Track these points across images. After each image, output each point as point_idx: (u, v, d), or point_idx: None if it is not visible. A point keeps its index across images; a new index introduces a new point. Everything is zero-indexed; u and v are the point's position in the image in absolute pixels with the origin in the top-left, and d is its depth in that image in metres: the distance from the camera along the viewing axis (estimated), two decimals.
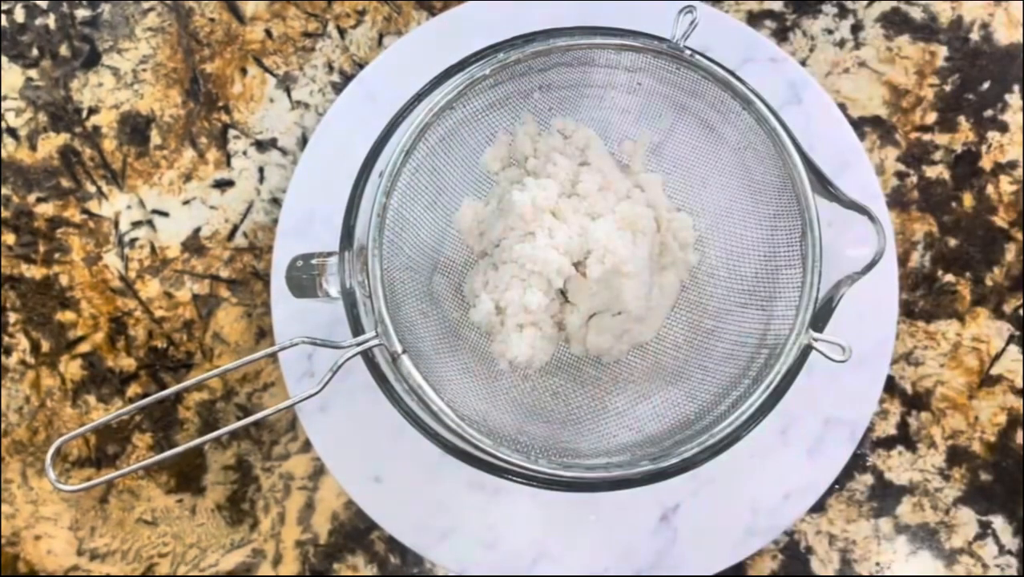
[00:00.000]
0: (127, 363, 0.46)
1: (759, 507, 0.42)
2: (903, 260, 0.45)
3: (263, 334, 0.46)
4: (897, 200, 0.46)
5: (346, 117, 0.44)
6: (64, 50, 0.47)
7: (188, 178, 0.47)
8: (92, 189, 0.47)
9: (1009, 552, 0.44)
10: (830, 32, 0.47)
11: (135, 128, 0.47)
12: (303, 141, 0.47)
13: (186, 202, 0.47)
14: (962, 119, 0.46)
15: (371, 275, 0.35)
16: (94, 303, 0.46)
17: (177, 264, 0.46)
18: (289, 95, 0.47)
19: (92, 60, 0.47)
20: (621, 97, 0.41)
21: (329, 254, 0.37)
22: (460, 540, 0.42)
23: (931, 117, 0.46)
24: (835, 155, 0.43)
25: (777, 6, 0.47)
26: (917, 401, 0.45)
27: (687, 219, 0.41)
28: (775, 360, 0.35)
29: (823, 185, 0.36)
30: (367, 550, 0.45)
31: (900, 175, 0.46)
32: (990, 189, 0.46)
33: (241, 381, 0.45)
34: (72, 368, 0.46)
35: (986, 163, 0.46)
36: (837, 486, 0.45)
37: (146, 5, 0.48)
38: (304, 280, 0.37)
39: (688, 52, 0.37)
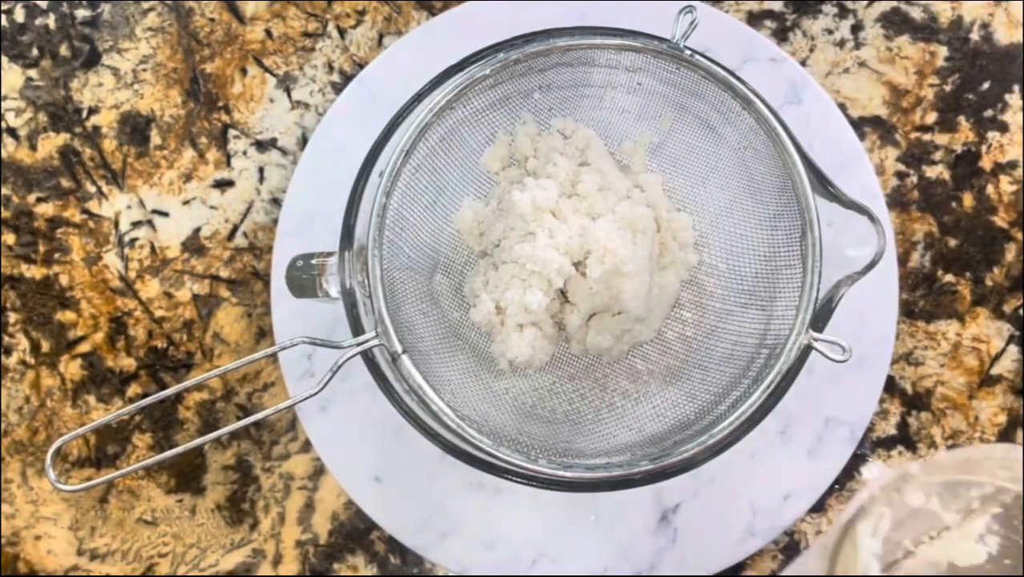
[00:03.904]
0: (127, 363, 0.46)
1: (759, 507, 0.42)
2: (903, 260, 0.45)
3: (263, 334, 0.46)
4: (897, 200, 0.46)
5: (346, 117, 0.44)
6: (64, 50, 0.47)
7: (188, 178, 0.47)
8: (92, 189, 0.47)
9: None
10: (830, 32, 0.47)
11: (135, 128, 0.47)
12: (303, 141, 0.47)
13: (186, 202, 0.47)
14: (962, 119, 0.46)
15: (371, 275, 0.35)
16: (94, 303, 0.46)
17: (177, 264, 0.46)
18: (289, 95, 0.47)
19: (92, 60, 0.47)
20: (621, 97, 0.41)
21: (329, 254, 0.37)
22: (460, 540, 0.42)
23: (931, 117, 0.46)
24: (835, 155, 0.43)
25: (777, 6, 0.47)
26: (917, 401, 0.45)
27: (687, 219, 0.41)
28: (775, 360, 0.35)
29: (823, 185, 0.36)
30: (367, 550, 0.45)
31: (900, 175, 0.46)
32: (990, 189, 0.46)
33: (241, 381, 0.45)
34: (72, 368, 0.46)
35: (986, 163, 0.46)
36: (837, 486, 0.45)
37: (146, 5, 0.48)
38: (304, 280, 0.37)
39: (688, 52, 0.37)
